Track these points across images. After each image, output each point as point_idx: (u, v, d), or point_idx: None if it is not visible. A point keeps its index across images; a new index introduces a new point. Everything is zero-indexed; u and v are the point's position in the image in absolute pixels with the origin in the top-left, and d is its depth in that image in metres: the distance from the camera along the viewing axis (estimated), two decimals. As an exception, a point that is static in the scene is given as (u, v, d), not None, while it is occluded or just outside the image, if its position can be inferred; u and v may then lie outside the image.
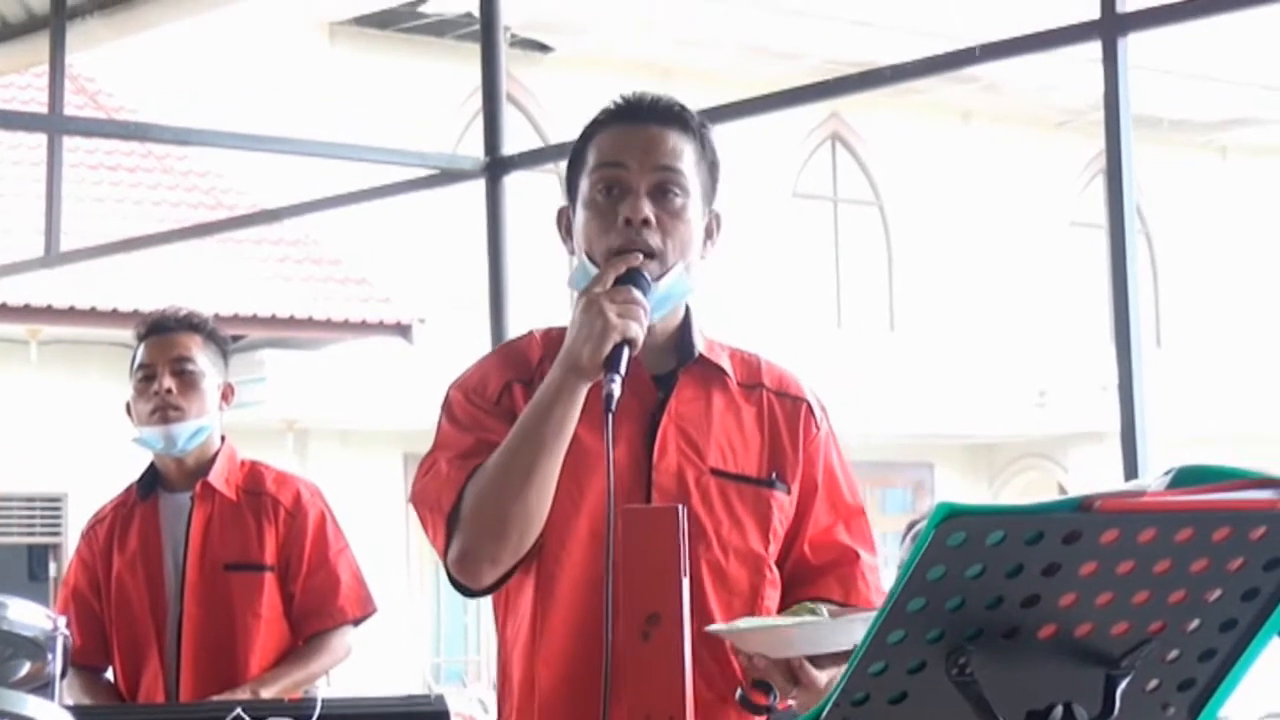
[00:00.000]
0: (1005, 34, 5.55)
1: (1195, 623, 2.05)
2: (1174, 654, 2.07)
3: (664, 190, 2.54)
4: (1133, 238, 4.89)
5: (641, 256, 2.48)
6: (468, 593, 2.54)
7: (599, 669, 2.40)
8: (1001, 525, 1.91)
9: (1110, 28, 4.92)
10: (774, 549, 2.59)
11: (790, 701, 2.39)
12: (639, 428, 2.53)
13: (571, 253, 2.62)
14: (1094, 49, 4.99)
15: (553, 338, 2.63)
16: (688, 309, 2.63)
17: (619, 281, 2.44)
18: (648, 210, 2.51)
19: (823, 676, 2.38)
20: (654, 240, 2.51)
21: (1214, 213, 21.51)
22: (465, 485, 2.48)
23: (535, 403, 2.46)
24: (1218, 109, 20.60)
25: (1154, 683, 2.08)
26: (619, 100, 2.61)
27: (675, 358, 2.59)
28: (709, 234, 2.63)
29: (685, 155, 2.57)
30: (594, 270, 2.50)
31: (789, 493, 2.59)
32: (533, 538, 2.48)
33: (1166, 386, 16.33)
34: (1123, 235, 4.86)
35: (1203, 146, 21.62)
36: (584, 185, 2.56)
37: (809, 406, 2.64)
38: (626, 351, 2.40)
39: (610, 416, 2.34)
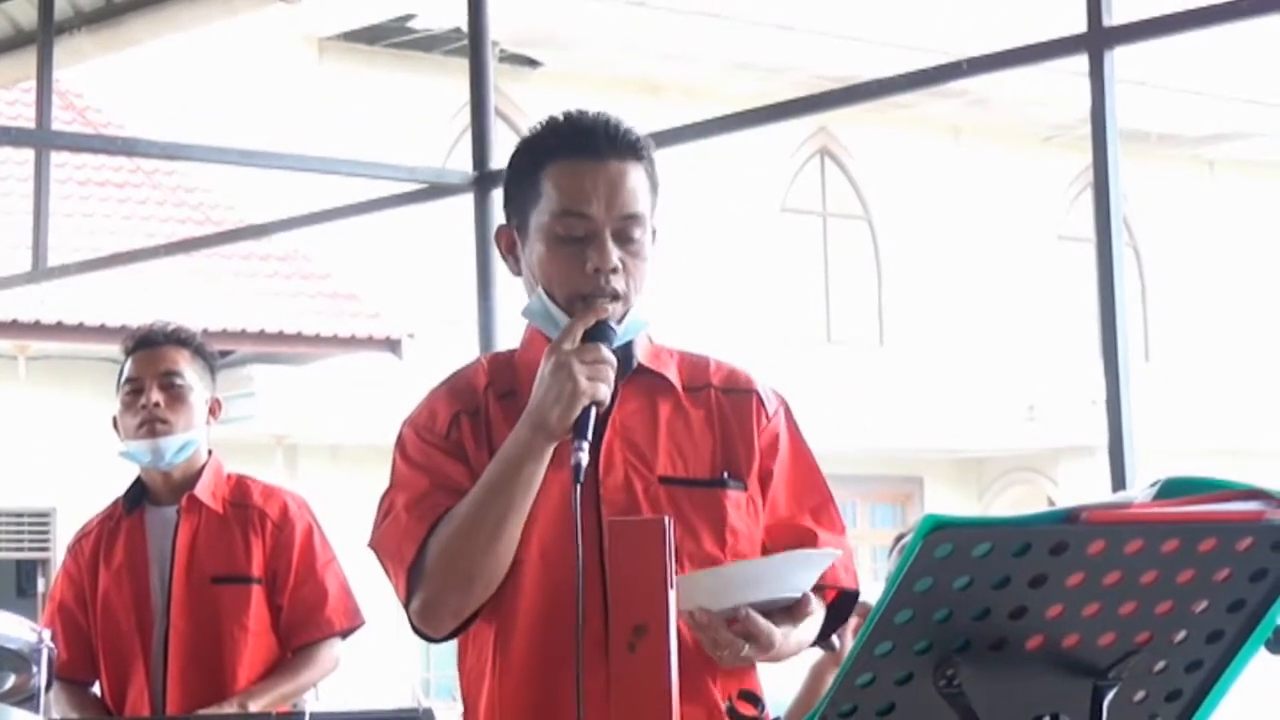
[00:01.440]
0: (992, 48, 5.56)
1: (1182, 634, 2.05)
2: (1161, 665, 2.07)
3: (628, 234, 2.54)
4: (1120, 252, 4.90)
5: (608, 304, 2.50)
6: (430, 640, 2.57)
7: (565, 689, 2.42)
8: (988, 537, 1.91)
9: (1097, 41, 4.93)
10: (736, 546, 2.57)
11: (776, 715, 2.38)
12: (571, 441, 2.53)
13: (513, 272, 2.63)
14: (1081, 63, 5.01)
15: (500, 362, 2.65)
16: None
17: (587, 335, 2.45)
18: (615, 258, 2.52)
19: (775, 632, 2.38)
20: (619, 284, 2.52)
21: (1202, 227, 21.54)
22: (427, 538, 2.49)
23: (502, 461, 2.47)
24: (1205, 123, 20.63)
25: (1141, 694, 2.09)
26: (572, 126, 2.57)
27: (619, 370, 2.60)
28: None
29: (643, 192, 2.57)
30: (553, 309, 2.52)
31: (745, 488, 2.59)
32: (495, 587, 2.50)
33: (1155, 400, 16.36)
34: (1110, 249, 4.87)
35: (1190, 160, 21.66)
36: (543, 221, 2.54)
37: (759, 397, 2.64)
38: (594, 412, 2.42)
39: (579, 487, 2.36)
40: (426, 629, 2.53)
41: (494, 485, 2.46)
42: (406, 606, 2.53)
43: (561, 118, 2.60)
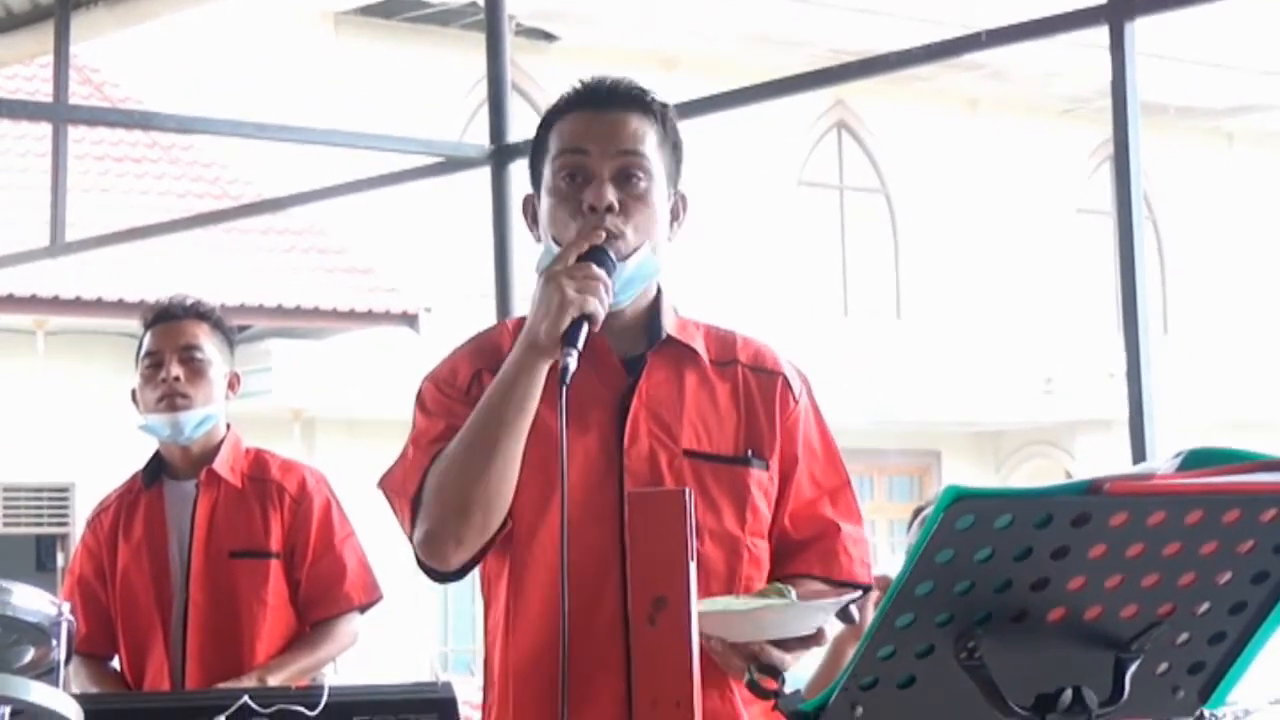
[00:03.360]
0: (1011, 20, 5.53)
1: (1205, 605, 2.04)
2: (1184, 637, 2.06)
3: (627, 175, 2.54)
4: (1140, 224, 4.88)
5: (605, 235, 2.49)
6: (437, 576, 2.54)
7: (578, 655, 2.41)
8: (1010, 508, 1.90)
9: (1118, 12, 4.90)
10: (755, 525, 2.57)
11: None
12: (609, 413, 2.53)
13: (538, 240, 2.63)
14: (1100, 35, 4.98)
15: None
16: (659, 290, 2.63)
17: (581, 259, 2.44)
18: (611, 196, 2.51)
19: (787, 658, 2.38)
20: (618, 225, 2.51)
21: (1220, 199, 21.47)
22: (429, 468, 2.48)
23: (496, 382, 2.47)
24: (1224, 95, 20.55)
25: (1164, 666, 2.08)
26: (579, 85, 2.61)
27: (645, 340, 2.59)
28: (675, 216, 2.64)
29: (647, 138, 2.57)
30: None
31: (767, 468, 2.58)
32: (498, 517, 2.47)
33: (1174, 373, 16.31)
34: (1130, 221, 4.85)
35: (1209, 133, 21.58)
36: (547, 172, 2.57)
37: (785, 380, 2.63)
38: (585, 327, 2.40)
39: (565, 390, 2.35)
40: (431, 561, 2.51)
41: (488, 406, 2.46)
42: (411, 540, 2.52)
43: (577, 82, 2.63)
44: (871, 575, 2.61)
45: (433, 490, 2.47)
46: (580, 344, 2.38)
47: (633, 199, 2.53)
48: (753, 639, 2.35)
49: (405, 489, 2.51)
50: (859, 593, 2.51)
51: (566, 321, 2.38)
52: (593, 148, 2.53)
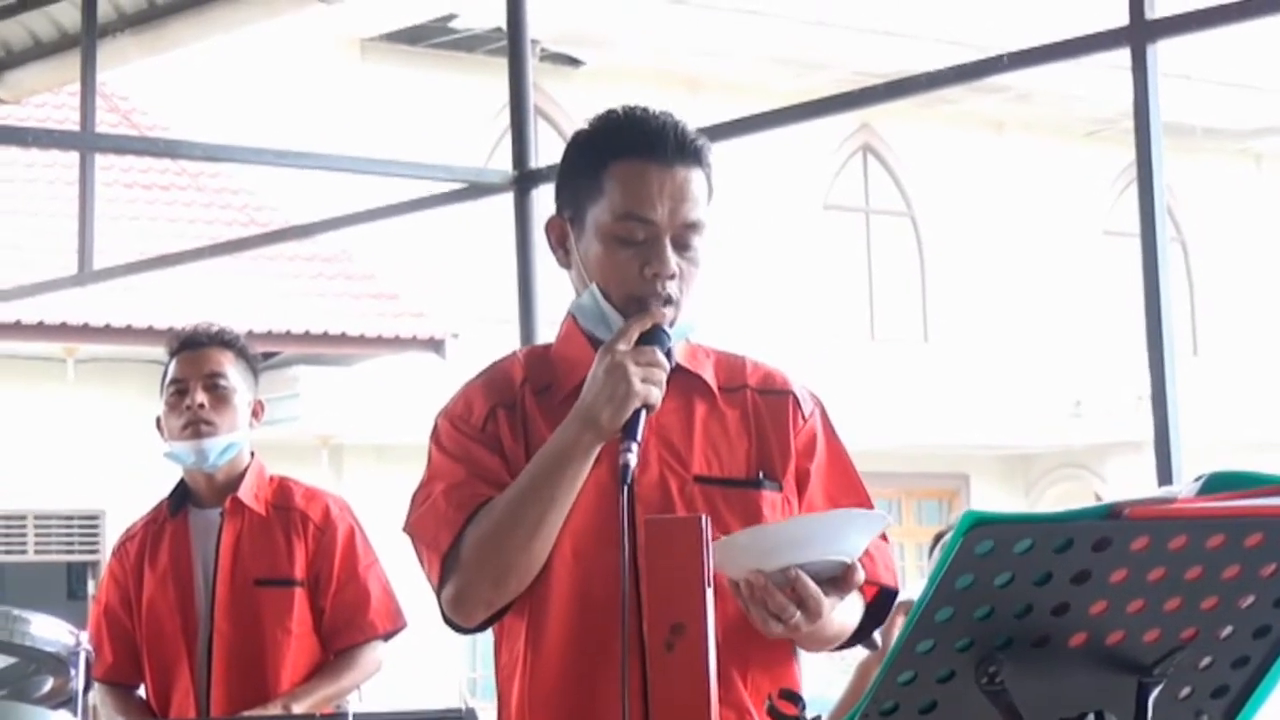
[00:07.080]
0: (1034, 42, 5.53)
1: (1228, 630, 2.03)
2: (1206, 661, 2.05)
3: (687, 242, 2.54)
4: (1165, 246, 4.86)
5: (664, 309, 2.50)
6: (460, 630, 2.56)
7: (597, 687, 2.42)
8: (1029, 533, 1.90)
9: (1139, 34, 4.89)
10: None
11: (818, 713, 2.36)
12: (619, 442, 2.53)
13: (561, 265, 2.62)
14: (1124, 56, 4.97)
15: (536, 356, 2.64)
16: None
17: (642, 338, 2.45)
18: (674, 265, 2.52)
19: (823, 598, 2.34)
20: (674, 289, 2.52)
21: (1249, 220, 21.41)
22: (465, 527, 2.48)
23: (548, 456, 2.46)
24: (1251, 116, 20.50)
25: (1186, 690, 2.07)
26: (639, 126, 2.56)
27: None
28: None
29: (703, 199, 2.56)
30: (607, 308, 2.52)
31: (780, 489, 2.57)
32: (529, 581, 2.49)
33: (1204, 394, 16.25)
34: (1154, 243, 4.83)
35: (1237, 154, 21.53)
36: (602, 220, 2.53)
37: (795, 399, 2.62)
38: (644, 415, 2.42)
39: (626, 489, 2.36)
40: (457, 618, 2.53)
41: (538, 481, 2.46)
42: (438, 594, 2.53)
43: (624, 115, 2.59)
44: (897, 578, 2.59)
45: (471, 556, 2.47)
46: (640, 436, 2.41)
47: (688, 262, 2.54)
48: (788, 561, 2.31)
49: (437, 542, 2.51)
50: (888, 516, 2.50)
51: (630, 412, 2.41)
52: (660, 217, 2.52)
